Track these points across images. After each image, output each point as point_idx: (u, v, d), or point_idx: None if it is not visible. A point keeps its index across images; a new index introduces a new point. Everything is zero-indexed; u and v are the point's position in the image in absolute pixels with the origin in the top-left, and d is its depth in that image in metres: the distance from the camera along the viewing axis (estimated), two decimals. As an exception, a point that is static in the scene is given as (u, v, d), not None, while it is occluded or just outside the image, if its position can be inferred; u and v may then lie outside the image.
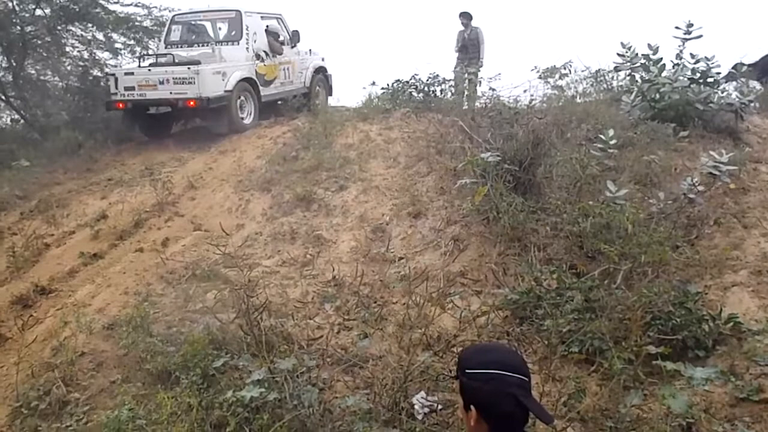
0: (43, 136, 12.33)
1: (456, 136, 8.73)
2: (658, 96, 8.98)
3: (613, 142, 6.92)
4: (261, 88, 11.96)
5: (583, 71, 12.26)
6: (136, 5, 13.89)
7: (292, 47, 13.33)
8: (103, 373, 4.74)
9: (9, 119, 14.56)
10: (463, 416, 2.04)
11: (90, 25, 13.82)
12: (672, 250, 5.41)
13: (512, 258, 5.83)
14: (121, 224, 7.69)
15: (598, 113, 9.29)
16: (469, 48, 13.34)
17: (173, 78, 10.58)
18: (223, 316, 5.16)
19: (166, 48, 12.12)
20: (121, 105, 11.04)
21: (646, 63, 9.45)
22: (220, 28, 12.66)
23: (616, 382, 4.03)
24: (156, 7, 14.05)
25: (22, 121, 13.90)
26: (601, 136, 7.02)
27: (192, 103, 10.45)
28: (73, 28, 13.91)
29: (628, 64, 9.88)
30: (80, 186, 9.48)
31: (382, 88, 13.09)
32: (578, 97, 11.56)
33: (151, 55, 12.16)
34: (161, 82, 10.66)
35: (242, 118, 11.39)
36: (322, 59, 14.53)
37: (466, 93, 12.51)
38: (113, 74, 11.19)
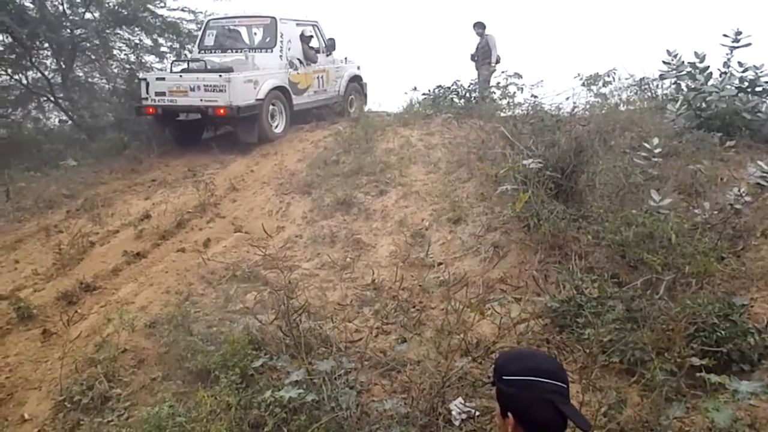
0: (90, 137, 12.64)
1: (497, 143, 8.71)
2: (704, 105, 8.85)
3: (657, 150, 6.82)
4: (293, 96, 11.85)
5: (627, 79, 12.14)
6: (182, 10, 14.13)
7: (328, 55, 13.24)
8: (144, 370, 4.81)
9: (57, 120, 14.90)
10: (501, 423, 2.03)
11: (137, 28, 14.09)
12: (717, 261, 5.29)
13: (553, 266, 5.77)
14: (163, 224, 7.80)
15: (642, 122, 9.19)
16: (480, 55, 13.61)
17: (204, 85, 10.49)
18: (263, 317, 5.20)
19: (199, 53, 12.12)
20: (151, 110, 11.00)
21: (693, 71, 9.32)
22: (255, 34, 12.61)
23: (658, 394, 3.96)
24: (202, 12, 14.25)
25: (69, 122, 14.23)
26: (645, 145, 6.92)
27: (221, 111, 10.34)
28: (121, 32, 14.20)
29: (674, 72, 9.75)
30: (125, 186, 9.66)
31: (424, 94, 13.14)
32: (622, 105, 11.42)
33: (183, 60, 12.17)
34: (192, 89, 10.59)
35: (273, 127, 11.26)
36: (358, 67, 14.42)
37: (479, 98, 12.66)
38: (144, 79, 11.16)
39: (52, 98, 13.98)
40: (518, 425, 1.94)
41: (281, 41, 11.75)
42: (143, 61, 14.67)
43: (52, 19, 12.63)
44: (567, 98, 10.74)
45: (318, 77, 12.75)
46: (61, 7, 13.20)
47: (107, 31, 13.82)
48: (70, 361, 4.93)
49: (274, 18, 11.92)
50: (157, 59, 14.25)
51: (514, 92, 12.17)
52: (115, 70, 14.75)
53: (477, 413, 4.09)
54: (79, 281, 6.38)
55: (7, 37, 12.79)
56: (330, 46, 13.19)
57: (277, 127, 11.41)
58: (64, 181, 9.89)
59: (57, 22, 12.80)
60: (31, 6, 12.60)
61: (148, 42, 14.42)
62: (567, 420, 1.93)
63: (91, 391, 4.52)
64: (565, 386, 1.95)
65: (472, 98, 12.73)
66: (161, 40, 14.22)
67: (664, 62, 9.83)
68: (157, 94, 10.82)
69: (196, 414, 4.05)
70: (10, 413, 4.58)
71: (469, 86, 13.17)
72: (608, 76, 12.11)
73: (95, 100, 13.83)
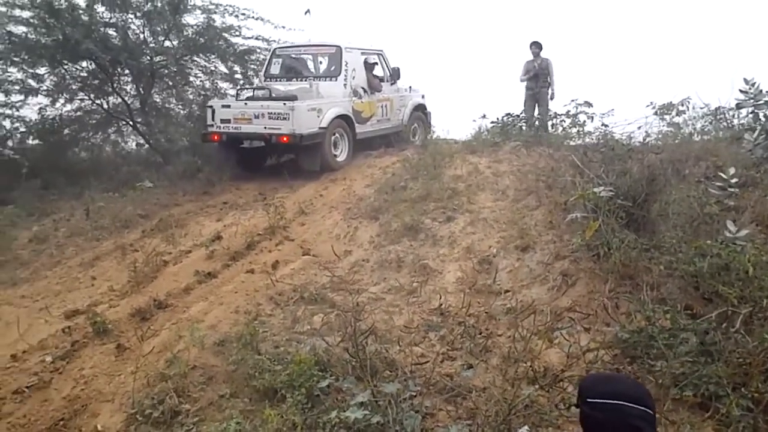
0: (165, 160, 13.05)
1: (566, 171, 8.61)
2: (784, 135, 8.57)
3: (733, 180, 6.63)
4: (357, 125, 11.87)
5: (701, 108, 11.83)
6: (256, 38, 14.48)
7: (392, 84, 13.25)
8: (212, 387, 4.89)
9: (135, 144, 15.44)
10: None
11: (213, 56, 14.52)
12: (797, 296, 5.10)
13: (623, 296, 5.65)
14: (234, 246, 7.96)
15: (717, 151, 8.96)
16: (540, 77, 13.19)
17: (268, 113, 10.61)
18: (330, 338, 5.24)
19: (265, 81, 12.29)
20: (216, 137, 11.13)
21: (772, 100, 9.05)
22: (320, 63, 12.70)
23: (734, 430, 3.83)
24: (276, 41, 14.58)
25: (146, 145, 14.70)
26: (721, 174, 6.74)
27: (285, 138, 10.41)
28: (198, 59, 14.64)
29: (752, 101, 9.46)
30: (197, 208, 9.93)
31: (492, 122, 13.13)
32: (696, 135, 11.18)
33: (249, 88, 12.32)
34: (256, 116, 10.72)
35: (335, 156, 11.28)
36: (423, 96, 14.39)
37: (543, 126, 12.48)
38: (211, 106, 11.32)
39: (130, 123, 14.48)
40: None
41: (346, 70, 11.85)
42: (218, 87, 15.10)
43: (134, 47, 13.13)
44: (639, 127, 10.59)
45: (382, 106, 12.79)
46: (142, 36, 13.70)
47: (185, 58, 14.29)
48: (142, 376, 5.06)
49: (339, 47, 12.03)
50: (232, 85, 14.61)
51: (584, 121, 12.10)
52: (191, 96, 15.20)
53: (543, 443, 4.03)
54: (152, 298, 6.56)
55: (90, 64, 13.33)
56: (394, 74, 13.23)
57: (339, 155, 11.43)
58: (139, 202, 10.22)
59: (138, 49, 13.27)
60: (114, 34, 13.12)
61: (223, 69, 14.85)
62: None
63: (162, 406, 4.61)
64: (652, 413, 1.91)
65: (536, 126, 12.65)
66: (236, 67, 14.61)
67: (741, 91, 9.55)
68: (222, 121, 11.00)
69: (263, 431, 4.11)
70: (84, 424, 4.71)
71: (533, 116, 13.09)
72: (682, 105, 11.89)
73: (171, 125, 14.25)
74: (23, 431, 4.67)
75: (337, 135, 11.37)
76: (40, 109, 13.51)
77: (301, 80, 11.95)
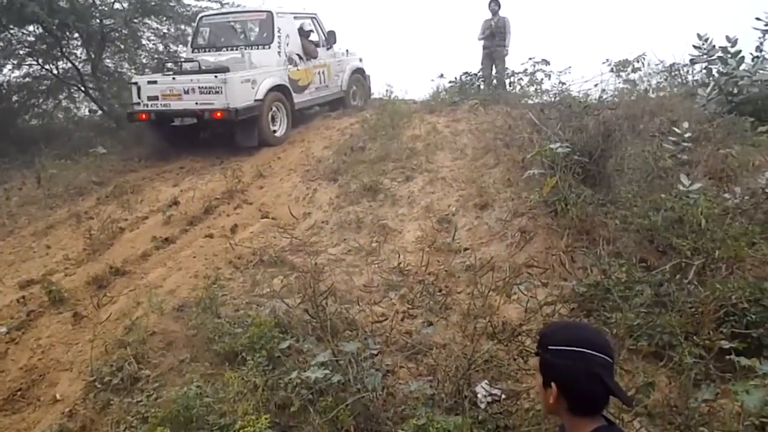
0: (119, 126, 12.75)
1: (524, 129, 8.64)
2: (736, 90, 8.71)
3: (687, 135, 6.74)
4: (294, 94, 11.32)
5: (656, 65, 11.95)
6: (209, 0, 14.18)
7: (328, 49, 12.73)
8: (172, 352, 4.86)
9: (87, 109, 15.10)
10: (542, 393, 2.01)
11: (165, 18, 14.19)
12: (748, 246, 5.20)
13: (580, 251, 5.72)
14: (191, 210, 7.88)
15: (672, 107, 9.07)
16: (497, 36, 13.04)
17: (199, 87, 9.92)
18: (289, 300, 5.22)
19: (193, 52, 11.62)
20: (144, 116, 10.36)
21: (724, 56, 9.17)
22: (251, 30, 12.15)
23: (687, 377, 3.92)
24: (228, 3, 14.30)
25: (99, 111, 14.39)
26: (675, 129, 6.84)
27: (219, 114, 9.76)
28: (149, 21, 14.31)
29: (705, 56, 9.60)
30: (153, 173, 9.80)
31: (450, 81, 13.10)
32: (651, 92, 11.28)
33: (175, 61, 11.61)
34: (186, 92, 10.00)
35: (274, 131, 10.77)
36: (360, 60, 13.91)
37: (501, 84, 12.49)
38: (136, 83, 10.53)
39: (82, 88, 14.17)
40: (561, 396, 1.93)
41: (279, 36, 11.24)
42: (171, 50, 14.79)
43: (82, 9, 12.73)
44: (595, 85, 10.67)
45: (319, 72, 12.26)
46: (90, -2, 13.33)
47: (135, 20, 13.93)
48: (100, 343, 5.01)
49: (270, 12, 11.43)
50: (185, 48, 14.32)
51: (542, 79, 12.14)
52: (144, 60, 14.88)
53: (503, 396, 4.08)
54: (108, 266, 6.47)
55: (37, 28, 12.99)
56: (330, 39, 12.71)
57: (278, 129, 10.92)
58: (94, 168, 10.05)
59: (86, 12, 12.91)
60: (62, -4, 12.74)
61: (175, 32, 14.54)
62: (609, 395, 1.92)
63: (121, 373, 4.57)
64: (612, 361, 1.92)
65: (494, 85, 12.67)
66: (188, 30, 14.30)
67: (694, 47, 9.68)
68: (149, 98, 10.26)
69: (224, 394, 4.10)
70: (42, 394, 4.67)
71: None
72: (637, 61, 11.95)
73: (124, 90, 13.93)
74: (-21, 403, 4.60)
75: (274, 108, 10.78)
76: (-14, 75, 13.15)
77: (232, 50, 11.25)
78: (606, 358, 1.90)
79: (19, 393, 4.69)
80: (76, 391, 4.57)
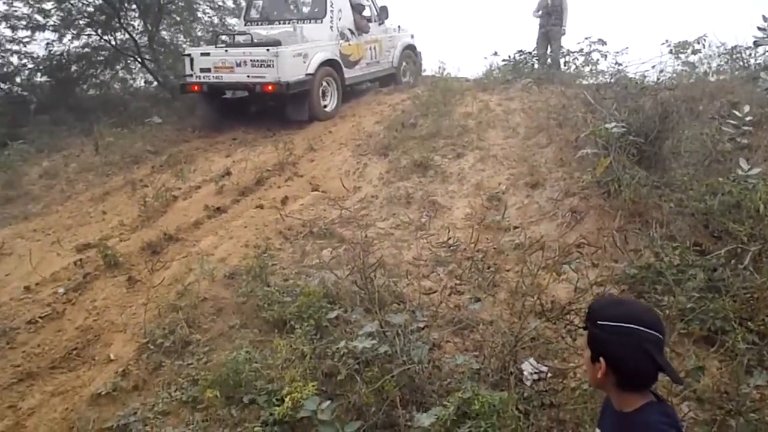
0: (174, 97, 12.91)
1: (578, 109, 8.51)
2: (801, 73, 8.41)
3: (748, 119, 6.55)
4: (345, 70, 11.23)
5: (718, 47, 11.59)
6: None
7: (380, 24, 12.60)
8: (222, 318, 4.95)
9: (143, 80, 15.32)
10: (589, 369, 2.01)
11: (221, -10, 14.30)
12: (808, 233, 5.08)
13: (632, 232, 5.64)
14: (243, 181, 7.98)
15: (732, 90, 8.83)
16: (552, 15, 12.76)
17: (251, 60, 9.92)
18: (338, 271, 5.27)
19: (245, 25, 11.61)
20: (196, 88, 10.46)
21: (790, 38, 8.85)
22: (303, 4, 12.07)
23: (739, 363, 3.86)
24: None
25: (155, 82, 14.60)
26: (735, 112, 6.65)
27: (270, 87, 9.75)
28: (206, -6, 14.44)
29: (769, 38, 9.29)
30: (207, 144, 9.94)
31: (504, 60, 12.94)
32: (711, 74, 11.00)
33: (228, 33, 11.63)
34: (238, 65, 10.02)
35: (324, 105, 10.72)
36: (412, 36, 13.75)
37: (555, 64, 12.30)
38: (189, 54, 10.62)
39: (138, 59, 14.37)
40: (609, 371, 1.92)
41: (332, 10, 11.17)
42: (226, 23, 14.90)
43: (140, -18, 12.91)
44: (653, 66, 10.41)
45: (371, 48, 12.14)
46: (149, -31, 13.49)
47: (192, -8, 14.08)
48: (153, 307, 5.13)
49: None
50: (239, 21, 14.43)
51: (597, 59, 11.92)
52: (199, 33, 15.04)
53: (549, 374, 4.07)
54: (162, 232, 6.61)
55: (96, -1, 13.19)
56: (382, 14, 12.61)
57: (328, 104, 10.85)
58: (149, 137, 10.24)
59: (145, -17, 13.05)
60: (121, -32, 12.93)
61: (230, 4, 14.64)
62: (658, 372, 1.90)
63: (173, 336, 4.68)
64: (662, 338, 1.90)
65: (548, 64, 12.48)
66: (243, 3, 14.37)
67: (759, 29, 9.35)
68: (202, 70, 10.32)
69: (272, 361, 4.18)
70: (97, 353, 4.79)
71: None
72: (698, 43, 11.63)
73: (179, 61, 14.11)
74: (38, 360, 4.75)
75: (325, 82, 10.70)
76: (47, 44, 13.42)
77: (284, 23, 11.23)
78: (656, 334, 1.88)
79: (75, 352, 4.82)
80: (129, 352, 4.68)
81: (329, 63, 10.77)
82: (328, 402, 3.64)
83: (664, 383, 3.25)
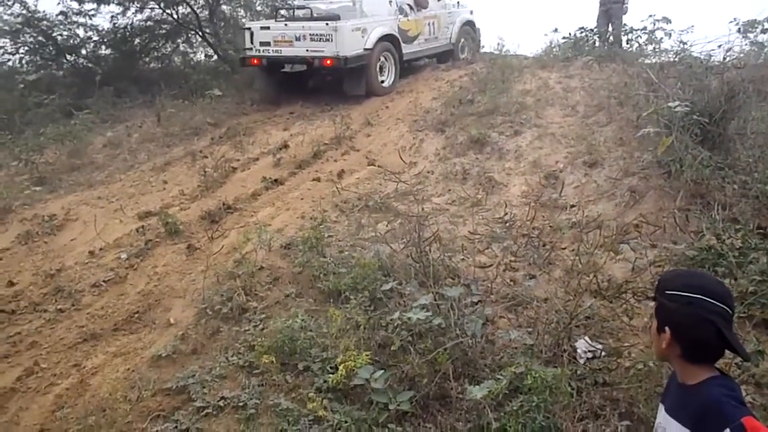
0: (234, 70, 13.05)
1: (640, 88, 8.32)
2: None
3: (819, 99, 6.35)
4: (403, 45, 11.15)
5: (789, 25, 11.17)
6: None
7: (439, 0, 12.50)
8: (278, 287, 5.03)
9: (203, 54, 15.49)
10: (655, 338, 1.99)
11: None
12: None
13: (693, 214, 5.53)
14: (300, 154, 8.08)
15: (804, 70, 8.53)
16: None
17: (310, 34, 9.95)
18: (393, 245, 5.30)
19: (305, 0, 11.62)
20: (255, 61, 10.53)
21: None
22: None
23: (800, 349, 3.77)
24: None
25: (215, 56, 14.77)
26: (806, 93, 6.45)
27: (329, 62, 9.79)
28: (267, -32, 14.50)
29: None
30: (265, 117, 10.08)
31: (564, 37, 12.71)
32: (782, 55, 10.62)
33: (288, 7, 11.51)
34: (297, 39, 10.06)
35: (381, 81, 10.69)
36: (471, 12, 13.57)
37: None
38: (249, 28, 10.69)
39: (199, 33, 14.54)
40: (674, 342, 1.90)
41: None
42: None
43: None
44: (719, 46, 10.07)
45: (429, 24, 12.02)
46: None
47: (254, -33, 14.14)
48: (211, 274, 5.24)
49: None
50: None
51: (661, 38, 11.61)
52: (259, 7, 15.12)
53: (603, 353, 4.04)
54: (221, 202, 6.75)
55: (159, -28, 13.37)
56: None
57: (386, 79, 10.83)
58: (209, 110, 10.40)
59: (204, -42, 13.17)
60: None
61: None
62: (725, 346, 1.87)
63: (230, 303, 4.77)
64: (731, 311, 1.87)
65: (610, 42, 12.20)
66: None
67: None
68: (261, 44, 10.40)
69: (327, 330, 4.24)
70: (157, 317, 4.93)
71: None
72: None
73: (239, 35, 14.18)
74: (101, 322, 4.91)
75: (383, 58, 10.66)
76: (112, 17, 13.68)
77: None
78: (724, 307, 1.85)
79: (136, 315, 4.97)
80: (188, 317, 4.81)
81: (387, 38, 10.72)
82: (381, 371, 3.70)
83: (722, 366, 3.21)
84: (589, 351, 4.06)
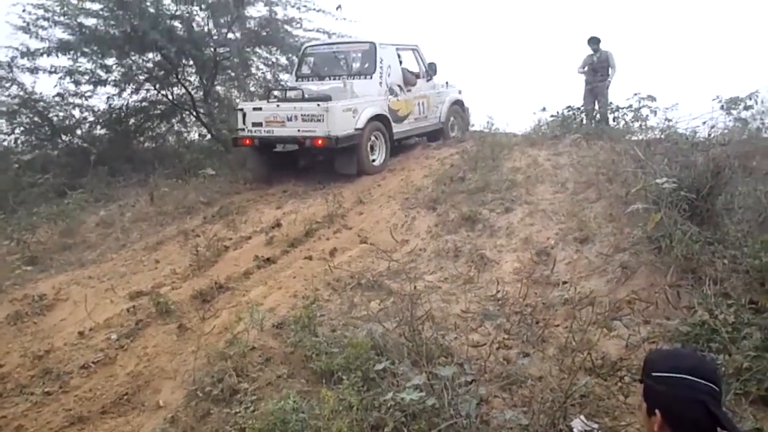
0: (227, 149, 13.23)
1: (628, 164, 8.46)
2: None
3: (803, 175, 6.45)
4: (393, 124, 11.37)
5: (771, 103, 11.43)
6: (317, 31, 14.65)
7: (428, 80, 12.82)
8: (270, 368, 4.96)
9: (197, 134, 15.74)
10: (645, 422, 1.98)
11: (275, 48, 14.71)
12: None
13: (685, 289, 5.54)
14: (293, 233, 8.09)
15: (788, 147, 8.69)
16: (598, 72, 13.04)
17: (302, 115, 10.11)
18: (386, 323, 5.28)
19: (297, 81, 11.90)
20: (248, 141, 10.68)
21: None
22: (354, 60, 12.24)
23: (799, 426, 3.74)
24: (335, 34, 14.68)
25: (208, 135, 15.00)
26: (791, 169, 6.56)
27: (320, 141, 9.93)
28: (260, 51, 14.88)
29: (826, 95, 9.17)
30: (257, 196, 10.14)
31: (552, 115, 12.98)
32: (764, 131, 10.83)
33: (280, 89, 11.90)
34: (289, 119, 10.23)
35: (372, 159, 10.87)
36: (459, 92, 13.92)
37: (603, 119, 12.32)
38: (241, 109, 10.88)
39: (193, 113, 14.81)
40: (665, 424, 1.89)
41: (381, 67, 11.40)
42: (279, 78, 15.29)
43: (198, 39, 13.42)
44: (704, 122, 10.29)
45: (419, 103, 12.32)
46: (206, 28, 13.98)
47: (247, 50, 14.50)
48: (202, 355, 5.18)
49: (373, 43, 11.60)
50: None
51: (647, 115, 11.85)
52: (252, 88, 15.45)
53: (599, 432, 3.99)
54: (213, 281, 6.72)
55: (156, 55, 13.68)
56: (431, 70, 12.79)
57: (376, 158, 11.01)
58: (202, 189, 10.48)
59: (202, 41, 13.56)
60: (180, 26, 13.44)
61: (284, 61, 15.03)
62: (716, 425, 1.86)
63: (221, 384, 4.70)
64: (719, 389, 1.87)
65: (597, 119, 12.49)
66: (295, 59, 14.75)
67: (813, 85, 9.27)
68: (254, 124, 10.58)
69: (319, 411, 4.16)
70: (146, 399, 4.85)
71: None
72: (750, 99, 11.50)
73: (232, 115, 14.46)
74: (89, 404, 4.82)
75: (373, 137, 10.86)
76: (108, 98, 13.96)
77: (335, 79, 11.51)
78: (712, 386, 1.85)
79: (125, 397, 4.89)
80: (178, 399, 4.73)
81: (378, 118, 10.91)
82: (375, 454, 3.63)
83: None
84: (586, 430, 4.00)
